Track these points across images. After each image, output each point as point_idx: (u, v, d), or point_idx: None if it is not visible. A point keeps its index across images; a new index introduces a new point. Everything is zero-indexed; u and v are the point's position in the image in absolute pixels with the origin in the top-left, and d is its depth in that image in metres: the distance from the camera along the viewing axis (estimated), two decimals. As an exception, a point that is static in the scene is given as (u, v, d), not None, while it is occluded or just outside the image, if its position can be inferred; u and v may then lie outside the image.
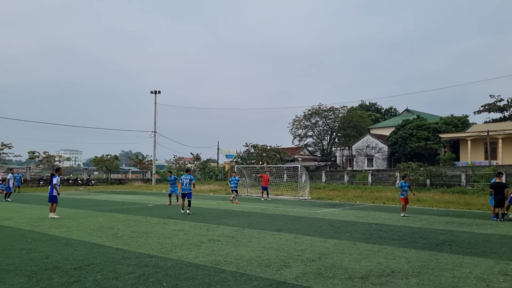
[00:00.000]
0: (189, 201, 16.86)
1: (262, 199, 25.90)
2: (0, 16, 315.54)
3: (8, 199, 24.05)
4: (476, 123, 57.33)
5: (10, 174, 26.87)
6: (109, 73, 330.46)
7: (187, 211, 16.64)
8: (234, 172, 28.75)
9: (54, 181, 15.05)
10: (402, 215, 16.58)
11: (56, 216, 14.84)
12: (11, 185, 26.02)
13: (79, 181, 45.50)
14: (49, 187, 15.45)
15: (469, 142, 45.41)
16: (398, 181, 37.76)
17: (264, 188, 26.33)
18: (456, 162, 44.29)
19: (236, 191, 23.67)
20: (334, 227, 13.09)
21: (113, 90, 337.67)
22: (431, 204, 22.15)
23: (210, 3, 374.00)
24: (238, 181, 24.69)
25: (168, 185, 23.15)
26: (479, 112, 64.46)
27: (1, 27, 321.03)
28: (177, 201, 20.99)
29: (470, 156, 44.67)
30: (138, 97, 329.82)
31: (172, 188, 22.02)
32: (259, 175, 29.19)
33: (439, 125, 49.82)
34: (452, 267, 7.60)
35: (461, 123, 53.55)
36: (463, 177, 34.25)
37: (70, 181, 45.21)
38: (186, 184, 16.81)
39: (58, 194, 15.25)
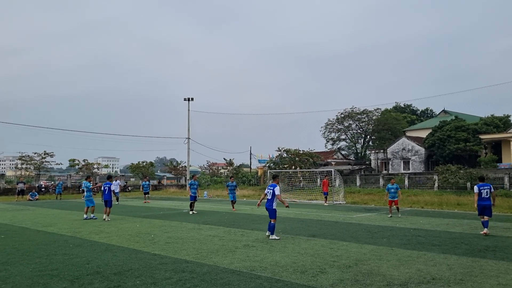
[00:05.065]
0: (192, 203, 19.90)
1: (326, 204, 25.70)
2: (43, 33, 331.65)
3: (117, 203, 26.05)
4: (519, 123, 54.71)
5: (118, 181, 28.84)
6: (144, 82, 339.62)
7: (194, 211, 19.60)
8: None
9: (113, 187, 17.04)
10: (389, 216, 17.58)
11: (109, 219, 16.49)
12: (117, 191, 27.27)
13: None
14: (105, 193, 17.03)
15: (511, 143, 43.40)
16: (436, 184, 36.64)
17: (326, 194, 26.14)
18: (498, 164, 42.36)
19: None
20: (371, 232, 12.82)
21: (148, 98, 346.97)
22: (472, 208, 21.22)
23: (243, 9, 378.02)
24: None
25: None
26: (522, 111, 61.51)
27: (44, 43, 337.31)
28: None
29: (514, 158, 42.65)
30: (172, 104, 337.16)
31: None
32: (322, 181, 28.70)
33: (479, 125, 47.88)
34: (496, 274, 7.27)
35: (503, 123, 51.27)
36: (506, 179, 32.73)
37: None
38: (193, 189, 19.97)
39: (118, 200, 17.77)
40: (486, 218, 12.12)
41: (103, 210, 17.05)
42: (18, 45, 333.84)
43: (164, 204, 27.27)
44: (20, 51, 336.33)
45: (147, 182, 30.73)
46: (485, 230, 12.03)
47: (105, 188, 17.04)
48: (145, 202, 28.34)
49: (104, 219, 16.38)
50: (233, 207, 21.41)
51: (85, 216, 17.11)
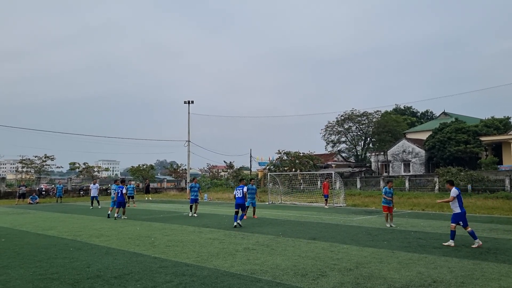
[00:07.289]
0: (196, 205, 19.89)
1: (326, 206, 25.71)
2: (44, 37, 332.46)
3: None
4: (519, 125, 54.69)
5: (96, 185, 28.75)
6: (145, 85, 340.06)
7: (194, 214, 19.58)
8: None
9: (124, 190, 18.79)
10: (388, 225, 15.09)
11: (125, 217, 18.57)
12: (95, 194, 27.71)
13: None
14: (118, 195, 18.71)
15: (512, 145, 43.40)
16: (437, 186, 36.59)
17: (326, 196, 26.15)
18: (499, 166, 42.38)
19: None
20: (371, 235, 12.80)
21: (149, 101, 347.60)
22: (473, 211, 21.25)
23: (243, 12, 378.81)
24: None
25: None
26: (522, 113, 61.45)
27: (46, 47, 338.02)
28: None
29: (514, 159, 42.64)
30: (172, 107, 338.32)
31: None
32: (322, 183, 28.48)
33: (479, 127, 47.92)
34: (498, 277, 7.25)
35: (503, 125, 51.28)
36: (507, 181, 32.74)
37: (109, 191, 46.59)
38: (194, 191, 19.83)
39: (127, 201, 20.17)
40: (468, 228, 10.88)
41: (110, 209, 19.65)
42: (20, 49, 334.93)
43: (164, 207, 27.24)
44: (21, 54, 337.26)
45: (131, 185, 29.35)
46: (477, 244, 10.52)
47: (118, 191, 18.68)
48: (128, 205, 26.06)
49: (119, 217, 18.58)
50: (253, 214, 18.57)
51: (116, 215, 18.87)
